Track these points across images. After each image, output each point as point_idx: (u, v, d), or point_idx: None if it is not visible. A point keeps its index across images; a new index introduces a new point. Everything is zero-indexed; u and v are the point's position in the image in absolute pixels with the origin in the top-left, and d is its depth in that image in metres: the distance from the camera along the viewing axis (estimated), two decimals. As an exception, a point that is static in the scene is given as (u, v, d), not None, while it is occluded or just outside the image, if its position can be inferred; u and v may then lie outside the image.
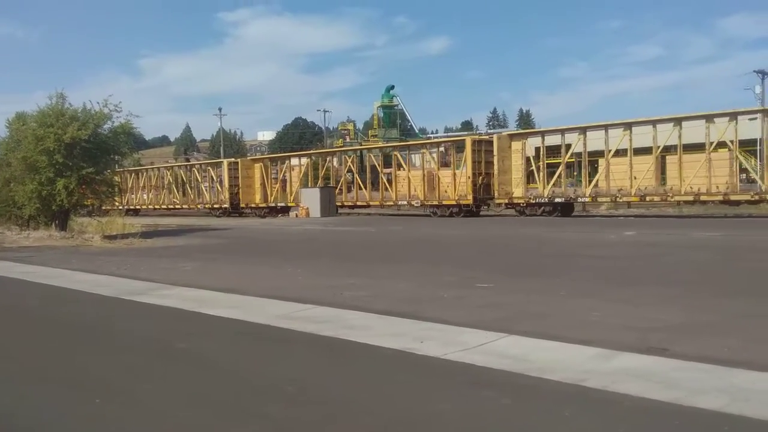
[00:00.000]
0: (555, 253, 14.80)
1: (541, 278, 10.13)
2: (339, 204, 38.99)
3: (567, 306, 7.58)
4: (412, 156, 40.92)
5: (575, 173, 32.17)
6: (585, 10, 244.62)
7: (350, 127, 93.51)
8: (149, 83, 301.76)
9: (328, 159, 42.99)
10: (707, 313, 7.01)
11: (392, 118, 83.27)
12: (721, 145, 27.16)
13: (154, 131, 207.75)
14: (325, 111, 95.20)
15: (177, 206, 48.95)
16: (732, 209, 29.21)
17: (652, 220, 27.99)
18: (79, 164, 21.44)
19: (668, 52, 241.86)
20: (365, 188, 38.82)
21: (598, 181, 30.38)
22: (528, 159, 32.31)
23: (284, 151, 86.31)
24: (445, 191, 34.47)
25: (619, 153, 29.64)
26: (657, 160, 28.46)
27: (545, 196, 31.35)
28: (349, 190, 40.21)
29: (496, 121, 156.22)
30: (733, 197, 26.53)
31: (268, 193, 44.07)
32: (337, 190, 39.79)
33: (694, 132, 27.80)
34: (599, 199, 30.86)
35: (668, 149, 29.30)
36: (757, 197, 26.31)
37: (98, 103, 22.53)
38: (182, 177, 49.50)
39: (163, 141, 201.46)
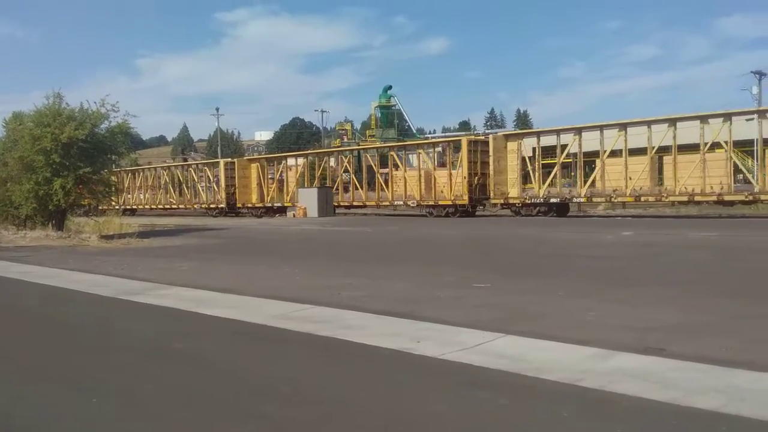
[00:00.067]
0: (552, 253, 14.81)
1: (538, 278, 10.13)
2: (335, 204, 38.99)
3: (564, 306, 7.58)
4: (409, 156, 40.94)
5: (573, 173, 32.25)
6: (583, 11, 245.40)
7: (348, 127, 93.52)
8: (147, 83, 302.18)
9: (324, 159, 42.97)
10: (705, 314, 7.01)
11: (390, 118, 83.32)
12: (718, 145, 27.27)
13: (152, 131, 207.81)
14: (322, 111, 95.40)
15: (174, 206, 48.90)
16: (728, 210, 29.33)
17: (649, 220, 28.03)
18: (76, 164, 21.39)
19: (666, 53, 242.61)
20: (361, 188, 38.81)
21: (593, 181, 30.48)
22: (524, 159, 32.38)
23: (281, 151, 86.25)
24: (441, 191, 34.51)
25: (615, 153, 29.76)
26: (652, 160, 28.56)
27: (540, 196, 31.43)
28: (345, 191, 40.21)
29: (493, 121, 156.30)
30: (727, 198, 26.68)
31: (265, 193, 44.05)
32: (333, 191, 39.79)
33: (689, 132, 27.88)
34: (594, 200, 30.99)
35: (665, 150, 29.39)
36: (751, 197, 26.46)
37: (95, 102, 22.50)
38: (179, 177, 49.44)
39: (161, 141, 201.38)
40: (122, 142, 23.64)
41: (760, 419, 3.73)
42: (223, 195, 44.96)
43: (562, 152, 31.20)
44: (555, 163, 32.00)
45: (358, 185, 39.23)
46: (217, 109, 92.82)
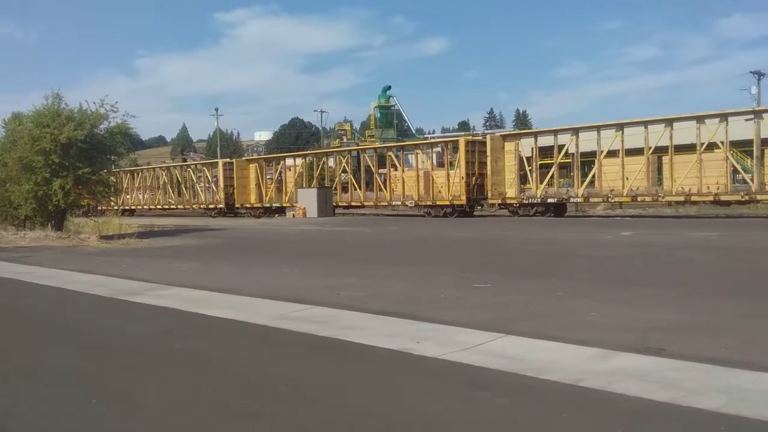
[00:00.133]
0: (551, 253, 14.81)
1: (538, 278, 10.13)
2: (334, 204, 39.01)
3: (564, 306, 7.58)
4: (407, 156, 40.96)
5: (572, 174, 32.28)
6: (582, 11, 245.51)
7: (347, 127, 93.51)
8: (146, 83, 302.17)
9: (323, 159, 42.98)
10: (704, 314, 7.01)
11: (389, 118, 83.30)
12: (715, 145, 27.33)
13: (151, 131, 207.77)
14: (322, 111, 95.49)
15: (172, 206, 48.87)
16: (728, 210, 29.40)
17: (648, 220, 28.05)
18: (75, 164, 21.38)
19: (665, 53, 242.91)
20: (360, 189, 38.85)
21: (590, 181, 30.57)
22: (521, 160, 32.45)
23: (281, 151, 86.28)
24: (439, 192, 34.55)
25: (614, 154, 29.80)
26: (648, 160, 28.61)
27: (538, 196, 31.52)
28: (344, 191, 40.24)
29: (493, 121, 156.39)
30: (723, 198, 26.80)
31: (263, 193, 44.05)
32: (332, 191, 39.80)
33: (687, 133, 27.95)
34: (591, 200, 31.05)
35: (664, 150, 29.43)
36: (747, 198, 26.55)
37: (94, 103, 22.50)
38: (178, 177, 49.44)
39: (160, 141, 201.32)
40: (121, 143, 23.62)
41: (760, 419, 3.73)
42: (222, 195, 44.95)
43: (559, 152, 31.27)
44: (554, 163, 32.03)
45: (356, 185, 39.25)
46: (217, 110, 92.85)
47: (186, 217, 43.74)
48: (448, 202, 33.86)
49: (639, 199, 29.07)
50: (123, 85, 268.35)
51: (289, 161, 45.46)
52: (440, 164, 39.70)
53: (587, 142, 30.72)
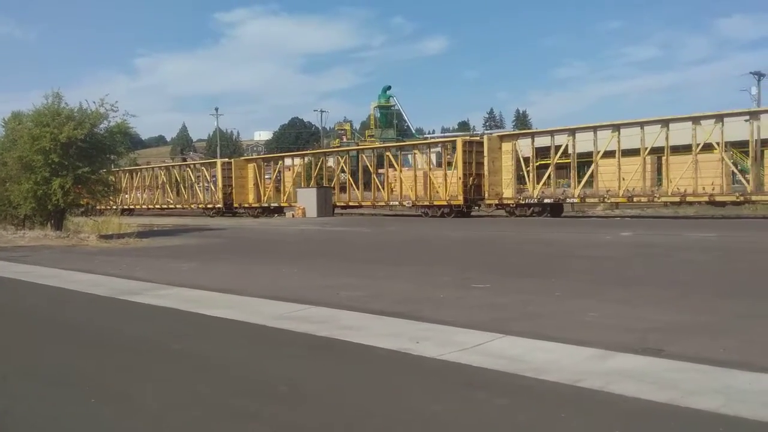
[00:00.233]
0: (550, 253, 14.82)
1: (537, 279, 10.13)
2: (333, 204, 39.05)
3: (563, 306, 7.59)
4: (406, 156, 41.00)
5: (577, 174, 32.31)
6: (582, 11, 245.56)
7: (347, 127, 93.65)
8: (146, 83, 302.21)
9: (321, 159, 43.00)
10: (703, 314, 7.02)
11: (389, 118, 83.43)
12: (712, 146, 27.41)
13: (151, 131, 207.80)
14: (321, 111, 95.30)
15: (171, 206, 48.88)
16: (726, 210, 29.46)
17: (647, 220, 28.06)
18: (75, 164, 21.37)
19: (665, 53, 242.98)
20: (358, 189, 38.90)
21: (588, 181, 30.66)
22: (518, 160, 32.54)
23: (281, 151, 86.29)
24: (437, 192, 34.60)
25: (611, 154, 29.87)
26: (645, 161, 28.69)
27: (535, 196, 31.61)
28: (342, 191, 40.28)
29: (492, 121, 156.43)
30: (718, 198, 26.92)
31: (262, 193, 44.06)
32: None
33: (684, 134, 28.05)
34: (588, 200, 31.15)
35: (661, 150, 29.48)
36: (742, 198, 26.64)
37: (94, 102, 22.48)
38: (176, 177, 49.45)
39: (160, 141, 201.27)
40: (121, 142, 23.61)
41: (759, 420, 3.74)
42: (220, 195, 44.96)
43: (556, 153, 31.38)
44: (557, 163, 32.12)
45: (354, 185, 39.30)
46: (216, 109, 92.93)
47: (185, 216, 43.73)
48: (445, 203, 33.95)
49: (635, 199, 29.26)
50: (123, 85, 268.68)
51: (288, 161, 45.49)
52: (438, 164, 39.74)
53: (585, 142, 30.84)
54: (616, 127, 29.45)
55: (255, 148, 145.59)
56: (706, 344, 5.53)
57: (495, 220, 31.11)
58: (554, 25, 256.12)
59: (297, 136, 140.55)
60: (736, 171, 28.21)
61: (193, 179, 48.36)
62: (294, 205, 39.44)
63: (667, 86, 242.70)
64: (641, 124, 28.92)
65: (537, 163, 32.77)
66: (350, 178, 39.75)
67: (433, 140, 49.49)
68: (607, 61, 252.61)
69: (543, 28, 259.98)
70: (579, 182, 30.85)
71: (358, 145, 62.18)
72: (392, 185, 37.48)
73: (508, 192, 32.45)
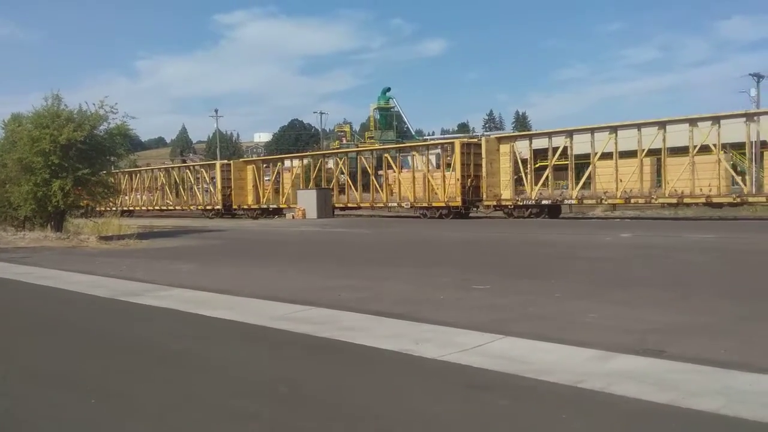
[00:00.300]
0: (550, 254, 14.82)
1: (538, 280, 10.14)
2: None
3: (564, 307, 7.60)
4: (405, 158, 41.05)
5: (574, 176, 32.38)
6: (582, 13, 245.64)
7: (347, 129, 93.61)
8: (146, 85, 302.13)
9: (320, 161, 43.02)
10: (703, 315, 7.03)
11: (389, 120, 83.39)
12: (708, 148, 27.48)
13: (151, 133, 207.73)
14: (321, 113, 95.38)
15: (170, 207, 48.90)
16: (724, 212, 29.53)
17: (647, 222, 28.08)
18: (74, 165, 21.37)
19: (665, 55, 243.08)
20: (357, 190, 38.96)
21: (585, 183, 30.77)
22: (516, 162, 32.61)
23: (280, 152, 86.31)
24: (435, 193, 34.67)
25: (609, 156, 29.97)
26: (642, 162, 28.78)
27: (533, 198, 31.68)
28: (341, 192, 40.33)
29: (492, 123, 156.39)
30: (715, 200, 26.99)
31: (261, 194, 44.08)
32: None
33: (682, 135, 28.14)
34: (585, 201, 31.24)
35: (659, 152, 29.54)
36: (738, 200, 26.70)
37: (94, 104, 22.49)
38: (176, 178, 49.48)
39: (160, 142, 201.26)
40: (121, 144, 23.60)
41: (759, 421, 3.74)
42: (219, 197, 44.99)
43: (554, 155, 31.49)
44: (555, 165, 32.20)
45: (353, 187, 39.35)
46: (216, 111, 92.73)
47: (184, 218, 43.73)
48: (443, 204, 34.03)
49: (632, 201, 29.42)
50: (123, 87, 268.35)
51: (287, 163, 45.53)
52: (437, 166, 39.81)
53: (583, 144, 30.96)
54: (614, 129, 29.59)
55: (255, 150, 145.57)
56: (707, 345, 5.53)
57: (493, 222, 31.14)
58: (554, 27, 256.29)
59: (297, 137, 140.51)
60: (734, 173, 28.22)
61: (193, 181, 48.39)
62: (293, 207, 39.46)
63: (667, 88, 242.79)
64: (638, 126, 29.06)
65: (536, 165, 32.85)
66: (349, 180, 39.80)
67: (431, 142, 49.55)
68: (607, 63, 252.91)
69: (543, 30, 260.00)
70: (577, 184, 30.96)
71: (357, 147, 62.22)
72: (391, 187, 37.53)
73: (506, 193, 32.56)
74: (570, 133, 31.37)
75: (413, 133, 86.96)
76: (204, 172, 48.41)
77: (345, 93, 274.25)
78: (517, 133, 44.71)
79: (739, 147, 29.22)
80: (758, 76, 61.50)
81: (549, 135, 32.58)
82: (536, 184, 31.99)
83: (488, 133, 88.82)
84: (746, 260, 12.89)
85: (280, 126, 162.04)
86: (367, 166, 39.63)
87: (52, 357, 6.02)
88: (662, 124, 28.32)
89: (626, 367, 4.93)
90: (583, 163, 31.94)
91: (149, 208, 49.99)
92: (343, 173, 40.67)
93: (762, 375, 4.60)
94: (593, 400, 4.23)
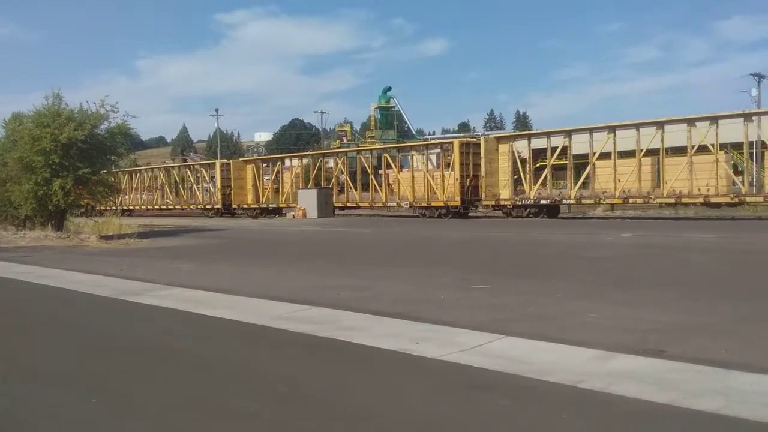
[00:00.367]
0: (550, 254, 14.81)
1: (538, 279, 10.14)
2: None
3: (564, 307, 7.59)
4: (404, 158, 41.10)
5: (573, 176, 32.43)
6: (583, 13, 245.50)
7: (347, 128, 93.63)
8: (147, 84, 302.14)
9: (319, 160, 43.04)
10: (704, 315, 7.02)
11: (389, 119, 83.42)
12: (706, 148, 27.52)
13: (151, 132, 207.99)
14: (322, 112, 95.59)
15: (170, 207, 48.95)
16: (730, 212, 29.59)
17: (647, 222, 28.08)
18: (75, 164, 21.39)
19: (666, 55, 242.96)
20: (356, 190, 38.98)
21: (584, 183, 30.80)
22: (515, 161, 32.65)
23: (281, 152, 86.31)
24: (434, 193, 34.70)
25: (608, 156, 30.01)
26: (640, 162, 28.83)
27: (531, 198, 31.71)
28: (341, 192, 40.35)
29: (493, 122, 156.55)
30: (713, 200, 27.03)
31: (260, 194, 44.11)
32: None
33: (681, 135, 28.19)
34: (584, 201, 31.29)
35: (657, 152, 29.58)
36: (736, 200, 26.74)
37: (95, 103, 22.50)
38: (176, 178, 49.52)
39: (160, 142, 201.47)
40: (122, 143, 23.62)
41: (759, 421, 3.74)
42: (219, 196, 45.02)
43: (552, 155, 31.54)
44: (556, 164, 32.25)
45: (352, 186, 39.38)
46: (217, 110, 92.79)
47: (184, 217, 43.76)
48: (442, 204, 34.07)
49: (630, 201, 29.45)
50: (124, 86, 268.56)
51: (287, 162, 45.55)
52: (437, 166, 39.86)
53: (582, 144, 31.04)
54: (612, 129, 29.67)
55: (255, 149, 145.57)
56: (707, 345, 5.53)
57: (492, 221, 31.16)
58: (555, 26, 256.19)
59: (297, 137, 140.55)
60: (732, 174, 28.23)
61: (192, 180, 48.42)
62: (293, 206, 39.48)
63: (668, 88, 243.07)
64: (636, 126, 29.15)
65: (536, 165, 32.89)
66: (348, 180, 39.83)
67: (431, 142, 49.59)
68: (608, 63, 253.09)
69: (544, 30, 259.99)
70: (576, 184, 31.01)
71: (358, 146, 62.21)
72: (391, 186, 37.58)
73: (505, 193, 32.63)
74: (569, 133, 31.47)
75: (414, 133, 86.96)
76: (204, 171, 48.46)
77: (346, 92, 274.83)
78: (515, 133, 44.76)
79: (738, 147, 29.29)
80: (759, 76, 61.50)
81: (548, 135, 32.69)
82: (535, 184, 32.03)
83: (488, 132, 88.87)
84: (747, 260, 12.89)
85: (280, 125, 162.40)
86: (366, 165, 39.67)
87: (52, 356, 6.02)
88: (660, 124, 28.40)
89: (627, 367, 4.93)
90: (582, 163, 32.01)
91: (149, 207, 50.03)
92: (342, 173, 40.70)
93: (762, 375, 4.60)
94: (593, 400, 4.22)
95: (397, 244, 19.49)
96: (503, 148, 33.17)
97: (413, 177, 36.20)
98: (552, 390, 4.45)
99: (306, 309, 7.77)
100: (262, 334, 6.70)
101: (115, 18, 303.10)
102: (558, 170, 33.93)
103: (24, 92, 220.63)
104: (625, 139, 29.40)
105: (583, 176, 30.97)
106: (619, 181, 28.99)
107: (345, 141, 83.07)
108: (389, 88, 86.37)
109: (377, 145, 57.00)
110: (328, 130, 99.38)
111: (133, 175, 52.53)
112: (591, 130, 30.51)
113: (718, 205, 28.00)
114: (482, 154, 32.99)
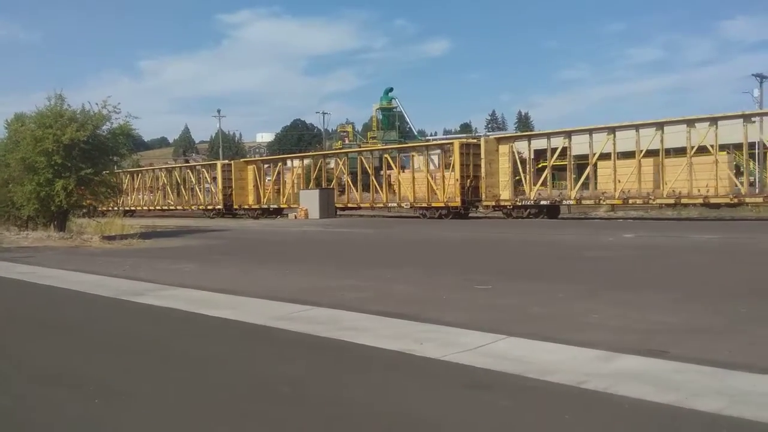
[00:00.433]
0: (553, 255, 14.81)
1: (540, 280, 10.13)
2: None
3: (566, 308, 7.59)
4: (404, 159, 41.15)
5: (573, 176, 32.43)
6: (585, 13, 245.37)
7: (349, 129, 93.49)
8: (149, 85, 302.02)
9: (320, 161, 43.06)
10: (707, 316, 7.02)
11: (391, 120, 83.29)
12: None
13: (153, 132, 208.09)
14: (324, 113, 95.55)
15: (172, 207, 49.00)
16: (734, 212, 29.60)
17: (650, 222, 28.08)
18: (77, 165, 21.43)
19: (668, 55, 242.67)
20: (357, 190, 39.02)
21: (584, 183, 30.82)
22: (515, 162, 32.68)
23: (283, 152, 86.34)
24: (435, 194, 34.73)
25: (609, 156, 30.01)
26: (639, 163, 28.84)
27: (531, 198, 31.74)
28: (341, 192, 40.39)
29: (495, 123, 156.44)
30: (713, 200, 27.07)
31: (261, 194, 44.15)
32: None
33: (681, 136, 28.21)
34: (584, 202, 31.31)
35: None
36: (736, 200, 26.75)
37: (97, 104, 22.56)
38: (177, 178, 49.59)
39: (162, 142, 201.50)
40: (124, 144, 23.66)
41: (762, 421, 3.74)
42: (220, 197, 45.07)
43: (552, 155, 31.57)
44: (558, 165, 32.25)
45: (353, 187, 39.42)
46: (219, 111, 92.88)
47: (186, 218, 43.81)
48: (443, 204, 34.10)
49: (630, 201, 29.46)
50: (126, 87, 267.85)
51: (288, 163, 45.59)
52: (437, 166, 39.88)
53: (582, 145, 31.07)
54: (612, 130, 29.69)
55: (257, 150, 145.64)
56: (710, 346, 5.52)
57: (493, 222, 31.17)
58: (557, 27, 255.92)
59: (299, 137, 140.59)
60: (732, 175, 28.21)
61: (194, 181, 48.48)
62: (294, 207, 39.51)
63: (671, 88, 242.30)
64: (636, 127, 29.18)
65: (539, 166, 32.90)
66: (349, 180, 39.87)
67: (431, 143, 49.64)
68: (610, 63, 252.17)
69: (545, 31, 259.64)
70: (575, 185, 31.03)
71: (360, 147, 62.19)
72: (393, 187, 37.62)
73: (505, 194, 32.66)
74: (568, 134, 31.52)
75: (416, 134, 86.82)
76: (205, 172, 48.51)
77: (348, 93, 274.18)
78: (515, 134, 44.87)
79: (739, 148, 29.28)
80: (761, 77, 61.40)
81: (548, 136, 32.77)
82: (535, 185, 32.05)
83: (490, 133, 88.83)
84: (750, 261, 12.87)
85: (282, 126, 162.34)
86: (367, 166, 39.70)
87: (55, 356, 6.03)
88: (660, 125, 28.41)
89: (629, 368, 4.93)
90: (584, 163, 32.03)
91: (151, 208, 50.09)
92: (343, 173, 40.74)
93: (765, 376, 4.59)
94: (597, 401, 4.22)
95: (399, 245, 19.50)
96: (503, 148, 33.21)
97: (414, 178, 36.23)
98: (554, 390, 4.45)
99: (308, 309, 7.78)
100: (264, 334, 6.70)
101: (117, 19, 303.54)
102: (560, 171, 33.96)
103: (26, 93, 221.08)
104: (625, 140, 29.43)
105: (583, 177, 31.00)
106: (619, 181, 29.01)
107: (347, 142, 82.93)
108: (391, 89, 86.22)
109: (378, 146, 56.97)
110: (330, 130, 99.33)
111: (135, 175, 52.59)
112: (591, 131, 30.55)
113: (717, 206, 28.02)
114: (482, 155, 33.02)
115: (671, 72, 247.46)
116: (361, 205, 39.01)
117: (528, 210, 32.02)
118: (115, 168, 26.42)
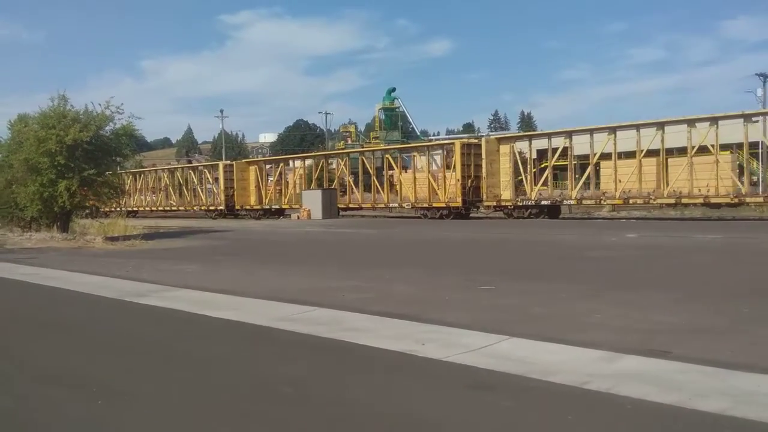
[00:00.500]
0: (555, 255, 14.80)
1: (543, 280, 10.13)
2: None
3: (569, 308, 7.58)
4: (406, 159, 41.16)
5: (577, 176, 32.43)
6: (586, 13, 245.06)
7: (352, 129, 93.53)
8: (152, 85, 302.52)
9: (322, 162, 43.08)
10: (710, 316, 7.01)
11: (394, 120, 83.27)
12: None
13: (156, 133, 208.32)
14: (326, 113, 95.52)
15: (174, 208, 49.07)
16: (738, 212, 29.60)
17: (653, 222, 28.05)
18: (80, 166, 21.44)
19: (670, 55, 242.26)
20: (358, 191, 39.03)
21: (585, 183, 30.83)
22: (516, 162, 32.67)
23: (285, 153, 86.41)
24: (436, 194, 34.74)
25: (610, 156, 30.00)
26: (640, 163, 28.83)
27: (532, 198, 31.73)
28: (343, 193, 40.42)
29: (497, 123, 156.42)
30: (713, 200, 27.06)
31: (263, 195, 44.19)
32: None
33: (682, 136, 28.19)
34: (585, 202, 31.30)
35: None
36: (736, 200, 26.70)
37: (100, 104, 22.56)
38: (179, 179, 49.65)
39: (165, 143, 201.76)
40: (127, 144, 23.67)
41: (765, 422, 3.73)
42: (222, 197, 45.12)
43: (553, 155, 31.56)
44: (559, 165, 32.26)
45: (355, 188, 39.43)
46: (222, 111, 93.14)
47: (188, 218, 43.89)
48: (444, 204, 34.11)
49: (631, 201, 29.44)
50: (128, 87, 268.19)
51: (290, 163, 45.64)
52: (439, 167, 39.90)
53: (583, 145, 31.09)
54: (612, 130, 29.70)
55: (260, 151, 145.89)
56: (713, 346, 5.51)
57: (494, 222, 31.16)
58: (557, 27, 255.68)
59: (302, 138, 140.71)
60: (734, 177, 28.18)
61: (196, 181, 48.53)
62: (296, 207, 39.55)
63: (672, 88, 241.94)
64: (637, 127, 29.20)
65: (542, 165, 32.88)
66: (350, 181, 39.89)
67: (433, 143, 49.64)
68: (612, 63, 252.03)
69: (546, 31, 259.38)
70: (576, 184, 31.01)
71: (362, 147, 62.18)
72: (395, 187, 37.66)
73: (506, 194, 32.71)
74: (569, 134, 31.55)
75: (418, 134, 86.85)
76: (207, 172, 48.57)
77: (350, 93, 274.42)
78: (516, 134, 44.88)
79: (741, 147, 29.26)
80: (764, 76, 61.23)
81: (549, 136, 32.82)
82: (536, 185, 32.04)
83: (491, 133, 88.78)
84: (752, 261, 12.84)
85: (285, 126, 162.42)
86: (369, 166, 39.70)
87: (58, 357, 6.04)
88: (661, 125, 28.44)
89: (632, 368, 4.92)
90: (585, 163, 32.03)
91: (153, 208, 50.18)
92: (345, 174, 40.78)
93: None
94: (599, 401, 4.22)
95: (401, 245, 19.50)
96: (504, 149, 33.25)
97: (415, 178, 36.27)
98: (557, 391, 4.45)
99: (311, 310, 7.78)
100: (267, 335, 6.71)
101: (119, 19, 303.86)
102: (562, 171, 33.96)
103: (29, 93, 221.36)
104: (626, 140, 29.42)
105: (584, 177, 30.99)
106: (620, 181, 29.01)
107: (349, 142, 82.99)
108: (393, 89, 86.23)
109: (380, 146, 56.96)
110: (333, 131, 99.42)
111: (138, 176, 52.67)
112: (592, 131, 30.58)
113: (718, 206, 28.00)
114: (483, 155, 33.07)
115: (672, 72, 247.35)
116: (363, 206, 39.07)
117: (529, 210, 32.05)
118: (118, 169, 26.44)
